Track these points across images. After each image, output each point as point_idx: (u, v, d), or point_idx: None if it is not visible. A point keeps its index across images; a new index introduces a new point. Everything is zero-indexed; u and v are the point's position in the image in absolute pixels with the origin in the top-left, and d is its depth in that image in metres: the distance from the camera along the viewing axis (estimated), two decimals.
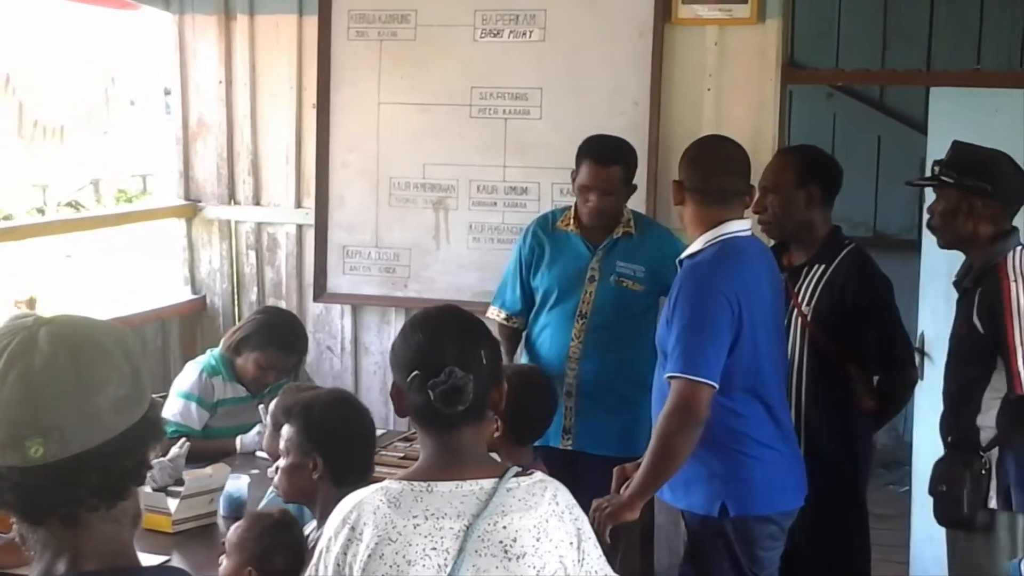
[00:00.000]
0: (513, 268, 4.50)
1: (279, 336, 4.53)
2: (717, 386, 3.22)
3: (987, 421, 3.50)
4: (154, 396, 1.65)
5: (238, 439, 4.33)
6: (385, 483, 2.27)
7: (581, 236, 4.32)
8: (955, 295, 3.72)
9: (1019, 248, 3.54)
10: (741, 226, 3.40)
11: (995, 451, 3.49)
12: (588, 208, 4.24)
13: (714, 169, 3.44)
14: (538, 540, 2.22)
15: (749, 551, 3.37)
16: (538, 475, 2.34)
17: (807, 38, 6.79)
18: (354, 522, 2.21)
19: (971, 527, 3.54)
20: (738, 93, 4.88)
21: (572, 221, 4.35)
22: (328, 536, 2.25)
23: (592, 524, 2.45)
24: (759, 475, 3.38)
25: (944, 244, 3.74)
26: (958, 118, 5.06)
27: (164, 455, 3.85)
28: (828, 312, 3.82)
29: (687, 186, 3.42)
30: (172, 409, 4.37)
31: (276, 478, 3.12)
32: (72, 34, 5.99)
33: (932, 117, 5.48)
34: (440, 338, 2.29)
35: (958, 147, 3.70)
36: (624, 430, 4.19)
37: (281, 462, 3.09)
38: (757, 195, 3.72)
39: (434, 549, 2.17)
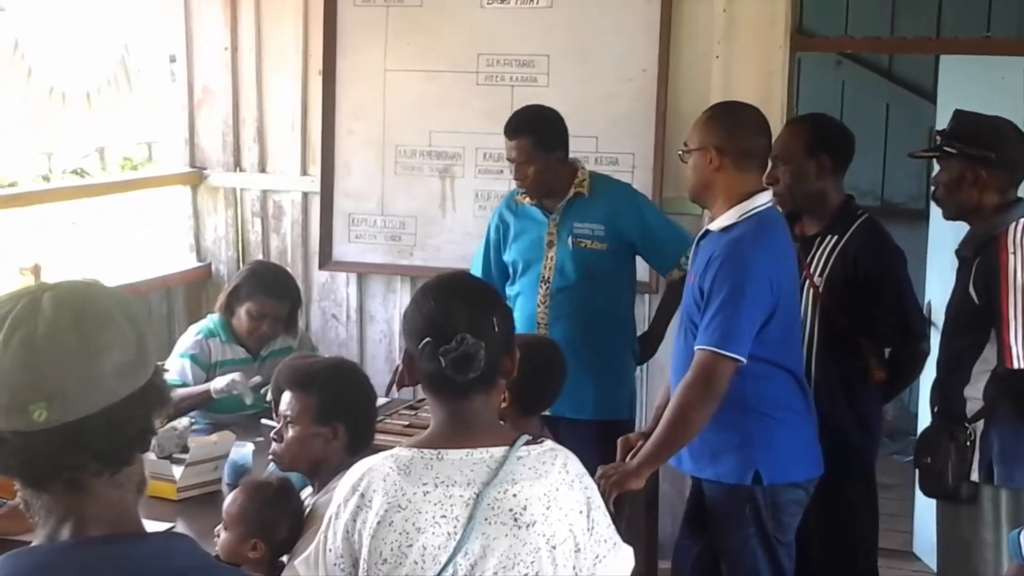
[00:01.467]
0: (483, 245, 4.56)
1: (267, 282, 4.56)
2: (745, 361, 3.24)
3: (974, 392, 3.49)
4: (158, 363, 1.64)
5: (211, 384, 4.29)
6: (395, 450, 2.27)
7: (537, 205, 4.36)
8: None
9: (1022, 220, 3.50)
10: (768, 197, 3.41)
11: (980, 423, 3.48)
12: (518, 179, 4.29)
13: (754, 133, 3.44)
14: (548, 508, 2.21)
15: (776, 516, 3.40)
16: (548, 443, 2.33)
17: (816, 5, 6.74)
18: (364, 489, 2.21)
19: (955, 499, 3.55)
20: (747, 61, 4.85)
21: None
22: (337, 503, 2.25)
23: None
24: (792, 441, 3.42)
25: (949, 216, 3.71)
26: (967, 86, 5.03)
27: (169, 422, 3.85)
28: (840, 283, 3.81)
29: (727, 151, 3.36)
30: (172, 369, 4.39)
31: (280, 447, 3.09)
32: (79, 1, 5.96)
33: (941, 85, 5.45)
34: (452, 305, 2.27)
35: (960, 116, 3.67)
36: (601, 393, 4.25)
37: (290, 431, 3.05)
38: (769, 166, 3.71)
39: (444, 517, 2.17)
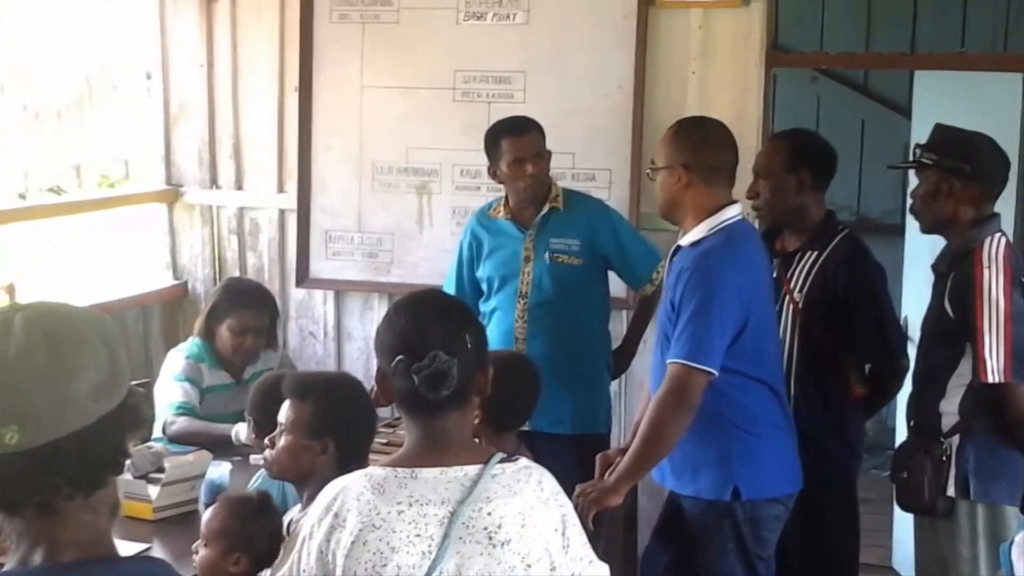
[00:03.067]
0: (455, 263, 4.55)
1: (243, 296, 4.56)
2: (716, 374, 3.24)
3: (950, 407, 3.51)
4: (133, 384, 1.63)
5: (233, 431, 4.16)
6: (369, 469, 2.27)
7: (512, 220, 4.37)
8: None
9: (998, 235, 3.52)
10: (737, 210, 3.42)
11: (956, 438, 3.50)
12: (529, 179, 4.26)
13: (719, 148, 3.45)
14: (523, 527, 2.20)
15: (756, 532, 3.40)
16: (523, 461, 2.32)
17: (791, 21, 6.77)
18: (338, 509, 2.20)
19: (932, 513, 3.56)
20: (722, 76, 4.86)
21: (503, 208, 4.40)
22: (311, 523, 2.24)
23: (576, 510, 2.44)
24: (771, 456, 3.42)
25: (925, 228, 3.73)
26: (942, 102, 5.07)
27: (141, 443, 3.82)
28: (820, 299, 3.81)
29: (694, 167, 3.37)
30: (175, 392, 4.36)
31: (270, 454, 3.07)
32: (53, 18, 5.94)
33: (916, 101, 5.48)
34: (424, 322, 2.27)
35: (939, 129, 3.71)
36: (579, 408, 4.27)
37: (282, 440, 3.03)
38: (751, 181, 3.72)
39: (418, 536, 2.15)
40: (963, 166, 3.54)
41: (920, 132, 4.14)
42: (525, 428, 3.99)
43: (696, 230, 3.36)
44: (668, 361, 3.29)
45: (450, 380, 2.21)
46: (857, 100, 7.71)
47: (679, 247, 3.44)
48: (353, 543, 2.15)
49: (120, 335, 1.64)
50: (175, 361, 4.49)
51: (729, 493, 3.35)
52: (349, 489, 2.22)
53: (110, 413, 1.54)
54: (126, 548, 2.95)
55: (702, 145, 3.42)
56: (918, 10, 7.27)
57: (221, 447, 4.06)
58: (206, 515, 2.99)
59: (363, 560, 2.14)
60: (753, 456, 3.38)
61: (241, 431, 4.13)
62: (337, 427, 3.01)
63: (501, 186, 4.40)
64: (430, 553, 2.15)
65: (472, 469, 2.23)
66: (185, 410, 4.31)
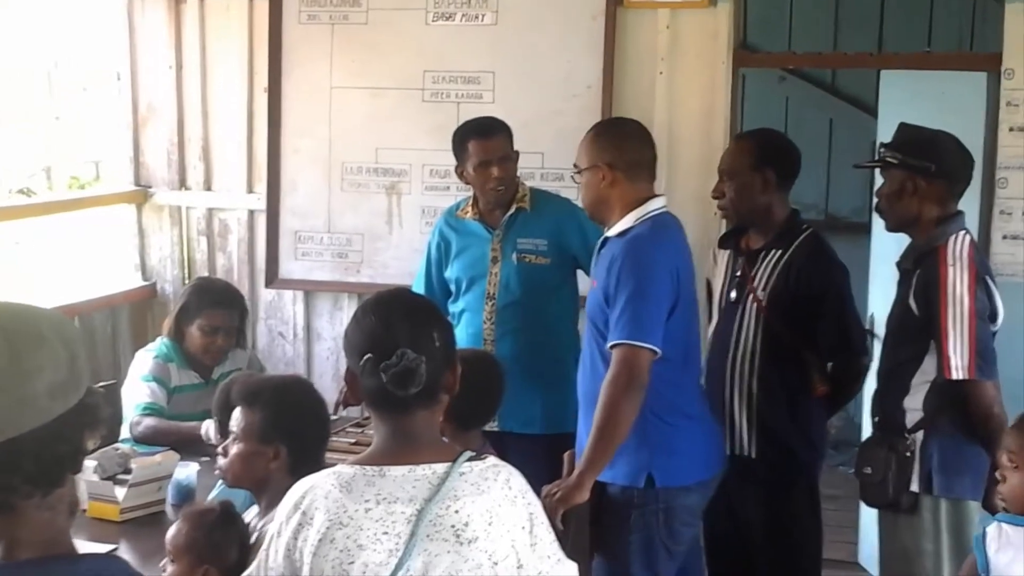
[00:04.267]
0: (423, 263, 4.54)
1: (214, 295, 4.54)
2: (660, 352, 3.28)
3: (914, 404, 3.54)
4: (93, 386, 1.63)
5: (203, 427, 4.17)
6: (337, 468, 2.26)
7: (480, 221, 4.37)
8: None
9: (962, 232, 3.54)
10: (662, 203, 3.51)
11: (920, 434, 3.52)
12: (495, 182, 4.25)
13: (639, 144, 3.54)
14: (490, 524, 2.20)
15: (668, 523, 3.43)
16: (491, 459, 2.33)
17: (759, 21, 6.79)
18: (306, 507, 2.20)
19: (896, 509, 3.58)
20: (690, 76, 4.89)
21: (471, 209, 4.39)
22: (279, 521, 2.24)
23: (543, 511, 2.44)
24: (686, 446, 3.47)
25: (891, 227, 3.76)
26: (908, 101, 5.09)
27: (108, 444, 3.80)
28: (783, 297, 3.83)
29: (617, 165, 3.46)
30: (141, 392, 4.34)
31: (224, 462, 3.06)
32: (21, 18, 5.91)
33: (883, 100, 5.50)
34: (392, 320, 2.27)
35: (903, 128, 3.73)
36: (548, 408, 4.26)
37: (235, 447, 3.02)
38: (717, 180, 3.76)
39: (385, 533, 2.15)
40: (927, 165, 3.57)
41: (886, 131, 4.16)
42: (495, 429, 4.00)
43: (623, 221, 3.45)
44: (610, 345, 3.33)
45: (418, 378, 2.21)
46: (825, 100, 7.76)
47: (607, 239, 3.51)
48: (320, 541, 2.15)
49: (80, 335, 1.64)
50: (143, 361, 4.47)
51: (643, 480, 3.40)
52: (317, 487, 2.22)
53: (69, 412, 1.55)
54: (93, 549, 2.92)
55: (622, 143, 3.52)
56: (885, 10, 7.33)
57: (188, 447, 4.05)
58: (170, 531, 2.94)
59: (330, 558, 2.14)
60: (668, 445, 3.42)
61: (211, 428, 4.13)
62: (287, 432, 2.98)
63: (470, 186, 4.40)
64: (397, 551, 2.15)
65: (440, 467, 2.24)
66: (152, 410, 4.29)
